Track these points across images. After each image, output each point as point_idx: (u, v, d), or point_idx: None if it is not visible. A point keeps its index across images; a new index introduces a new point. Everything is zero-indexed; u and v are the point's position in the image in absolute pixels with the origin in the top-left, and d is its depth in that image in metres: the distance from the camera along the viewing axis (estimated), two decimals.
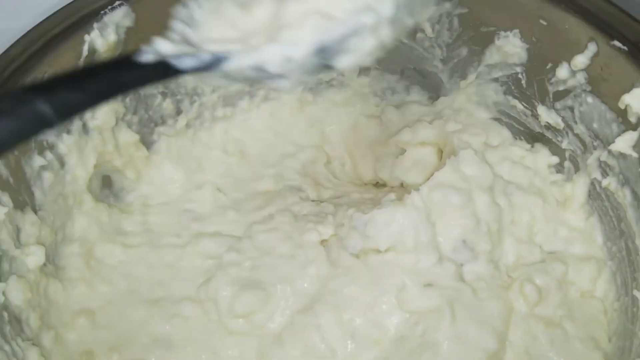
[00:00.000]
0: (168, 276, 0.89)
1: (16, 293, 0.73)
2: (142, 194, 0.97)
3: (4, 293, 0.71)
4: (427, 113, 1.01)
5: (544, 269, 0.83)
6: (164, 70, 0.55)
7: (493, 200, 0.87)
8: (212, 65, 0.55)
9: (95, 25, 0.83)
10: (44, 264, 0.80)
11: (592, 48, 0.78)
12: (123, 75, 0.54)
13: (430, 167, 0.97)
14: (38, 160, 0.81)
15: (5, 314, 0.69)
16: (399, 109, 1.04)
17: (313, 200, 0.97)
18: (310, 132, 1.06)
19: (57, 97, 0.49)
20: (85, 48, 0.83)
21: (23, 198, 0.79)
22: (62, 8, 0.83)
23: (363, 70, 1.03)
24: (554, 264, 0.84)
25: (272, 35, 0.53)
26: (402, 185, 1.00)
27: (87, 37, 0.83)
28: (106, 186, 0.94)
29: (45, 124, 0.48)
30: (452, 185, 0.87)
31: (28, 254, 0.77)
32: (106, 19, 0.84)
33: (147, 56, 0.55)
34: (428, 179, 0.93)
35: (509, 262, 0.85)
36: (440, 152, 0.98)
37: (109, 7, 0.84)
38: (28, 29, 0.80)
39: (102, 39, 0.84)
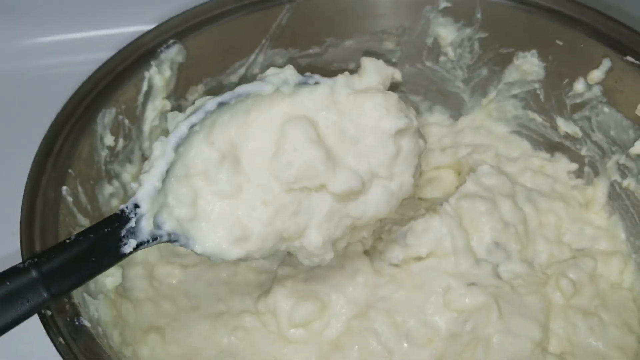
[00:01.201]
0: (226, 291, 0.93)
1: (105, 310, 0.78)
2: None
3: (97, 309, 0.76)
4: (447, 133, 1.09)
5: (575, 265, 0.91)
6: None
7: (516, 205, 0.95)
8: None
9: (153, 62, 0.90)
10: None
11: (606, 64, 0.87)
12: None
13: (446, 183, 1.05)
14: (108, 189, 0.87)
15: (100, 329, 0.74)
16: (421, 130, 1.11)
17: None
18: None
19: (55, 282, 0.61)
20: (145, 84, 0.90)
21: None
22: (123, 48, 0.90)
23: None
24: (584, 260, 0.91)
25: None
26: (418, 198, 1.07)
27: (146, 74, 0.90)
28: None
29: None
30: (477, 195, 0.95)
31: (107, 274, 0.82)
32: (162, 56, 0.91)
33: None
34: (445, 193, 1.02)
35: (542, 260, 0.93)
36: (455, 171, 1.06)
37: (164, 45, 0.91)
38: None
39: (159, 75, 0.91)
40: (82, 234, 0.63)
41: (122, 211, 0.65)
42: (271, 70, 0.72)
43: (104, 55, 0.89)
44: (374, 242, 0.95)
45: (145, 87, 0.90)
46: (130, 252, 0.65)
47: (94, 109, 0.84)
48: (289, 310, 0.88)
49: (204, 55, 0.95)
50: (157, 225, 0.66)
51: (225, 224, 0.68)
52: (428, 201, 1.03)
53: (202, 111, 0.68)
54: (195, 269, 0.95)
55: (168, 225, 0.67)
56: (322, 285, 0.90)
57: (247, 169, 0.70)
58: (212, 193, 0.68)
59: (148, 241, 0.66)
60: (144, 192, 0.65)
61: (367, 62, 0.78)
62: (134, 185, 0.66)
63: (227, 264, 0.96)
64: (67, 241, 0.63)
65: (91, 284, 0.78)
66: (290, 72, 0.71)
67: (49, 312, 0.67)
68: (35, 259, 0.61)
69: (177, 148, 0.66)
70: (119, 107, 0.88)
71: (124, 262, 0.88)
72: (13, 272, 0.61)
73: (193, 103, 0.95)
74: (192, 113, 0.68)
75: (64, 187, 0.78)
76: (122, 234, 0.65)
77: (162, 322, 0.89)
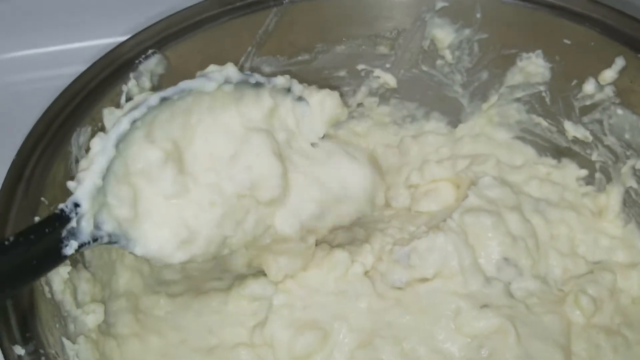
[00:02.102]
0: (217, 322, 0.87)
1: (86, 354, 0.71)
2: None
3: (77, 355, 0.69)
4: (444, 143, 1.04)
5: (594, 280, 0.85)
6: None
7: (523, 217, 0.90)
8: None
9: (131, 74, 0.83)
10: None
11: (620, 62, 0.82)
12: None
13: (444, 195, 0.99)
14: None
15: None
16: (417, 139, 1.06)
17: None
18: None
19: None
20: (123, 98, 0.83)
21: (75, 256, 0.77)
22: (98, 60, 0.83)
23: (383, 100, 1.04)
24: (602, 274, 0.86)
25: None
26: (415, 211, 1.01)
27: (124, 87, 0.83)
28: None
29: None
30: (481, 208, 0.89)
31: (88, 312, 0.75)
32: (141, 67, 0.84)
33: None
34: (444, 206, 0.96)
35: (556, 276, 0.88)
36: (453, 184, 1.00)
37: (143, 55, 0.84)
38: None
39: (138, 88, 0.84)
40: (21, 234, 0.59)
41: (62, 211, 0.61)
42: (212, 67, 0.72)
43: (78, 69, 0.82)
44: (374, 263, 0.89)
45: (123, 102, 0.83)
46: (72, 254, 0.62)
47: (68, 128, 0.77)
48: (287, 342, 0.82)
49: (186, 66, 0.88)
50: (97, 226, 0.64)
51: (170, 225, 0.68)
52: (425, 214, 0.97)
53: (144, 106, 0.66)
54: (183, 298, 0.89)
55: (108, 226, 0.65)
56: (322, 312, 0.85)
57: (194, 170, 0.70)
58: (155, 193, 0.67)
59: (89, 242, 0.63)
60: (84, 190, 0.62)
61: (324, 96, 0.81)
62: (72, 183, 0.63)
63: (217, 292, 0.89)
64: (6, 243, 0.57)
65: (70, 325, 0.71)
66: (232, 70, 0.72)
67: None
68: None
69: (117, 144, 0.64)
70: (96, 125, 0.80)
71: (105, 295, 0.83)
72: None
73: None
74: (133, 108, 0.66)
75: (36, 218, 0.71)
76: (63, 235, 0.61)
77: (150, 359, 0.82)
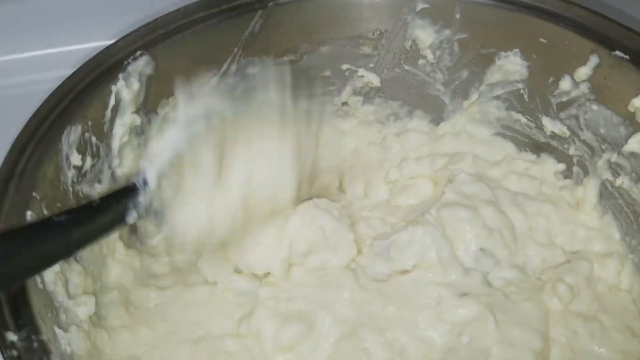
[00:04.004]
0: (204, 314, 0.88)
1: (78, 343, 0.72)
2: (166, 236, 0.98)
3: (69, 344, 0.70)
4: (425, 141, 1.06)
5: (571, 269, 0.88)
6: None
7: (499, 210, 0.93)
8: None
9: (120, 75, 0.85)
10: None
11: (594, 60, 0.85)
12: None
13: (422, 190, 1.01)
14: None
15: None
16: (399, 137, 1.08)
17: None
18: None
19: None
20: (113, 98, 0.85)
21: None
22: (87, 61, 0.84)
23: (367, 99, 1.07)
24: (579, 263, 0.89)
25: None
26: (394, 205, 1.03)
27: (113, 88, 0.84)
28: (132, 232, 0.95)
29: None
30: (458, 203, 0.92)
31: (79, 304, 0.77)
32: (130, 68, 0.86)
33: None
34: (421, 201, 0.98)
35: (535, 266, 0.90)
36: (431, 180, 1.03)
37: (132, 57, 0.86)
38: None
39: (127, 88, 0.86)
40: (106, 199, 0.71)
41: (134, 185, 0.72)
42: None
43: (66, 72, 0.83)
44: (356, 257, 0.91)
45: (112, 102, 0.85)
46: (131, 223, 0.73)
47: (59, 126, 0.79)
48: (273, 333, 0.84)
49: (173, 67, 0.90)
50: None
51: (197, 215, 0.75)
52: (405, 208, 0.99)
53: (217, 116, 0.76)
54: (172, 291, 0.91)
55: (155, 203, 0.73)
56: (307, 303, 0.87)
57: (231, 173, 0.76)
58: (194, 185, 0.75)
59: (142, 215, 0.73)
60: (153, 172, 0.73)
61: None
62: (145, 162, 0.73)
63: (203, 285, 0.91)
64: (94, 204, 0.69)
65: (62, 315, 0.73)
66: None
67: (14, 353, 0.61)
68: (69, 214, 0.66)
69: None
70: (85, 124, 0.82)
71: (96, 288, 0.85)
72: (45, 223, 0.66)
73: (165, 116, 0.92)
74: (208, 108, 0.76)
75: (29, 212, 0.72)
76: (129, 206, 0.72)
77: (140, 350, 0.84)
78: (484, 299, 0.84)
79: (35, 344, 0.63)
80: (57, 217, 0.65)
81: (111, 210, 0.70)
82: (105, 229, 0.71)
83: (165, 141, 0.73)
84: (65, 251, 0.67)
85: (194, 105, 0.76)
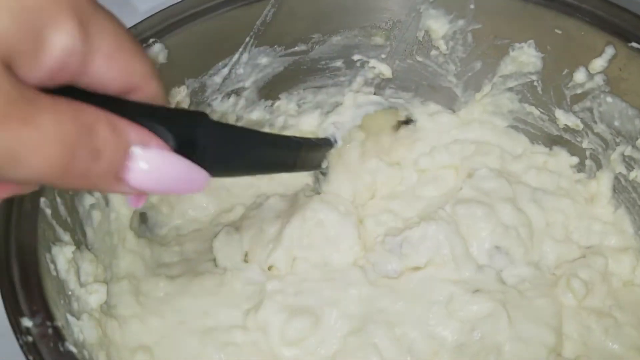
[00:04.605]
0: (212, 304, 0.88)
1: (90, 331, 0.72)
2: (175, 226, 0.98)
3: (82, 331, 0.70)
4: (458, 125, 1.04)
5: (586, 264, 0.87)
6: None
7: (516, 207, 0.92)
8: None
9: None
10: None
11: (609, 51, 0.84)
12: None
13: (445, 180, 1.00)
14: (88, 199, 0.81)
15: (86, 353, 0.68)
16: (433, 117, 1.05)
17: None
18: None
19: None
20: None
21: (78, 237, 0.79)
22: None
23: (378, 90, 1.06)
24: (594, 258, 0.88)
25: None
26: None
27: None
28: (142, 222, 0.94)
29: None
30: (474, 199, 0.91)
31: (91, 292, 0.76)
32: None
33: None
34: (443, 193, 0.97)
35: (550, 262, 0.90)
36: (456, 171, 1.02)
37: (144, 44, 0.86)
38: None
39: None
40: (319, 140, 0.89)
41: (329, 139, 0.91)
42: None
43: None
44: (364, 254, 0.91)
45: None
46: (323, 168, 0.91)
47: None
48: (280, 327, 0.84)
49: (185, 55, 0.90)
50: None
51: None
52: (424, 200, 0.98)
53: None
54: (181, 280, 0.91)
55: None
56: (314, 298, 0.86)
57: None
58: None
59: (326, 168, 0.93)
60: (340, 134, 0.93)
61: None
62: (331, 127, 0.95)
63: (212, 275, 0.91)
64: (313, 140, 0.87)
65: (74, 302, 0.73)
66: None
67: (29, 339, 0.61)
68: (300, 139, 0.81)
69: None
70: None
71: (107, 277, 0.84)
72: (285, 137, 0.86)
73: (176, 105, 0.92)
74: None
75: (42, 199, 0.72)
76: (326, 155, 0.88)
77: (150, 340, 0.84)
78: (498, 296, 0.83)
79: (50, 330, 0.63)
80: (294, 137, 0.79)
81: (321, 149, 0.86)
82: (315, 162, 0.85)
83: (348, 114, 0.97)
84: (291, 164, 0.75)
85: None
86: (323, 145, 0.88)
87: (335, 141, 0.91)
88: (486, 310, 0.83)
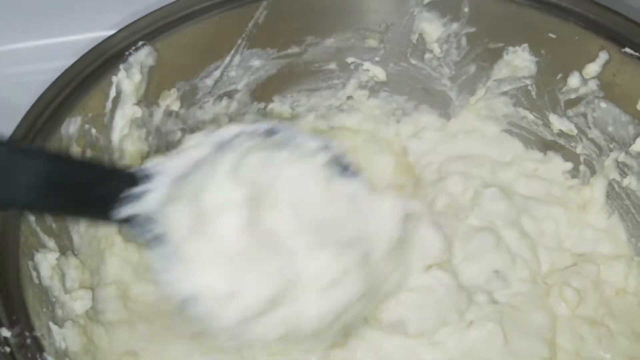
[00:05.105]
0: None
1: (73, 339, 0.72)
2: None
3: (64, 339, 0.70)
4: (444, 139, 1.03)
5: (577, 272, 0.86)
6: None
7: (521, 231, 0.90)
8: None
9: (121, 66, 0.84)
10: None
11: (603, 56, 0.83)
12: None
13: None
14: None
15: None
16: (419, 137, 1.05)
17: None
18: None
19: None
20: (113, 89, 0.84)
21: (64, 243, 0.78)
22: (87, 52, 0.83)
23: (372, 93, 1.05)
24: (586, 266, 0.87)
25: None
26: None
27: (114, 79, 0.83)
28: None
29: None
30: (483, 229, 0.89)
31: (76, 298, 0.76)
32: (131, 59, 0.85)
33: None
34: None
35: (542, 271, 0.88)
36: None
37: (133, 47, 0.85)
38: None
39: (129, 80, 0.85)
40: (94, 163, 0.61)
41: (135, 172, 0.59)
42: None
43: (66, 62, 0.82)
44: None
45: (113, 93, 0.84)
46: (116, 219, 0.57)
47: (58, 118, 0.78)
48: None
49: (175, 58, 0.90)
50: (151, 217, 0.59)
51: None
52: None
53: (255, 131, 0.64)
54: None
55: (158, 228, 0.59)
56: None
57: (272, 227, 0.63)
58: (217, 234, 0.61)
59: (138, 222, 0.58)
60: (166, 173, 0.59)
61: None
62: (159, 160, 0.61)
63: None
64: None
65: (58, 310, 0.72)
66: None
67: (7, 349, 0.60)
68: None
69: (215, 150, 0.61)
70: (85, 116, 0.81)
71: (94, 282, 0.84)
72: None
73: (166, 108, 0.91)
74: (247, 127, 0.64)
75: None
76: (122, 194, 0.57)
77: (137, 346, 0.83)
78: (493, 316, 0.82)
79: (29, 340, 0.62)
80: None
81: (94, 179, 0.57)
82: (75, 207, 0.57)
83: (187, 144, 0.64)
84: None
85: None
86: (112, 178, 0.59)
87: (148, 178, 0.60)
88: (485, 333, 0.81)
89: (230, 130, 0.63)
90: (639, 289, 0.86)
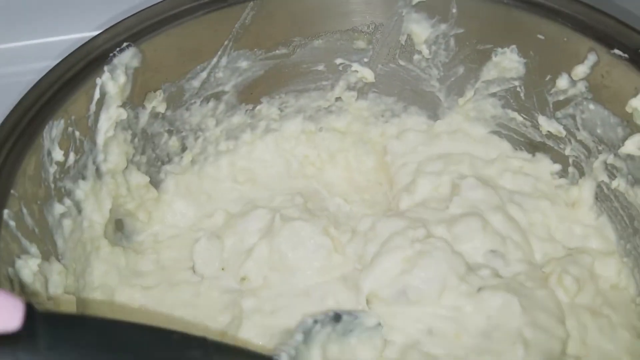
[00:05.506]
0: (189, 316, 0.86)
1: None
2: (153, 232, 0.96)
3: None
4: (426, 141, 1.03)
5: (573, 261, 0.86)
6: None
7: (506, 214, 0.90)
8: None
9: (105, 68, 0.83)
10: None
11: (592, 58, 0.83)
12: None
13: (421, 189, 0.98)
14: (58, 208, 0.79)
15: None
16: (400, 138, 1.05)
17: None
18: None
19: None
20: (97, 91, 0.82)
21: (47, 248, 0.77)
22: (71, 53, 0.82)
23: (361, 94, 1.04)
24: (581, 256, 0.87)
25: None
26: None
27: (98, 81, 0.82)
28: (118, 229, 0.93)
29: None
30: (466, 214, 0.89)
31: (59, 304, 0.74)
32: (115, 61, 0.84)
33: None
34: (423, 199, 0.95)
35: (537, 260, 0.88)
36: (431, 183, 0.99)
37: (117, 49, 0.84)
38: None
39: (113, 81, 0.83)
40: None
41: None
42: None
43: (49, 64, 0.81)
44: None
45: (97, 95, 0.83)
46: None
47: (40, 121, 0.76)
48: (262, 348, 0.81)
49: (161, 59, 0.88)
50: None
51: None
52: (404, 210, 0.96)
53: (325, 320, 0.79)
54: (157, 291, 0.89)
55: None
56: (292, 316, 0.83)
57: None
58: None
59: None
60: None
61: None
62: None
63: (188, 285, 0.89)
64: None
65: None
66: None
67: None
68: None
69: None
70: (69, 118, 0.80)
71: (80, 286, 0.82)
72: None
73: (152, 110, 0.90)
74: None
75: (5, 211, 0.70)
76: None
77: None
78: (503, 287, 0.81)
79: None
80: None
81: None
82: None
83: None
84: None
85: None
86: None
87: None
88: (500, 301, 0.80)
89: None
90: (628, 287, 0.85)
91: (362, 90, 1.04)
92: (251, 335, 0.82)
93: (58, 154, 0.79)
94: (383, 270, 0.84)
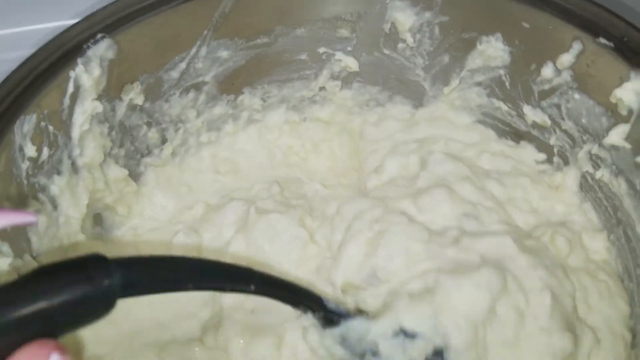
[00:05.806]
0: (169, 314, 0.85)
1: None
2: (132, 226, 0.95)
3: None
4: (404, 128, 1.02)
5: (563, 225, 0.85)
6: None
7: (476, 185, 0.89)
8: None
9: (79, 60, 0.80)
10: None
11: (577, 46, 0.81)
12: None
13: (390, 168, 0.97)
14: (33, 205, 0.77)
15: None
16: (378, 126, 1.04)
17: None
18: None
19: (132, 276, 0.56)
20: (71, 84, 0.80)
21: (21, 245, 0.75)
22: (42, 46, 0.80)
23: (345, 84, 1.03)
24: (569, 224, 0.86)
25: None
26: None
27: (72, 73, 0.80)
28: (97, 224, 0.91)
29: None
30: (433, 185, 0.88)
31: None
32: (90, 53, 0.81)
33: None
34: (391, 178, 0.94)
35: (524, 230, 0.87)
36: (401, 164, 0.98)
37: (92, 40, 0.82)
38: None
39: (87, 74, 0.81)
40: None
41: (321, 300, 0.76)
42: None
43: (23, 53, 0.78)
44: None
45: (71, 89, 0.80)
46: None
47: (11, 116, 0.74)
48: (243, 349, 0.80)
49: (138, 50, 0.86)
50: None
51: None
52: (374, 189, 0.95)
53: None
54: None
55: None
56: (273, 315, 0.81)
57: None
58: None
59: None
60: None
61: None
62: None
63: None
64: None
65: None
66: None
67: None
68: None
69: None
70: (41, 113, 0.77)
71: None
72: None
73: (130, 102, 0.88)
74: None
75: None
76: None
77: (103, 350, 0.81)
78: (488, 234, 0.81)
79: None
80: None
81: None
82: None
83: None
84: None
85: None
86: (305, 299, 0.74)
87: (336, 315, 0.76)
88: (494, 242, 0.80)
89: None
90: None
91: (346, 79, 1.02)
92: (230, 335, 0.80)
93: (30, 150, 0.77)
94: (349, 258, 0.83)
